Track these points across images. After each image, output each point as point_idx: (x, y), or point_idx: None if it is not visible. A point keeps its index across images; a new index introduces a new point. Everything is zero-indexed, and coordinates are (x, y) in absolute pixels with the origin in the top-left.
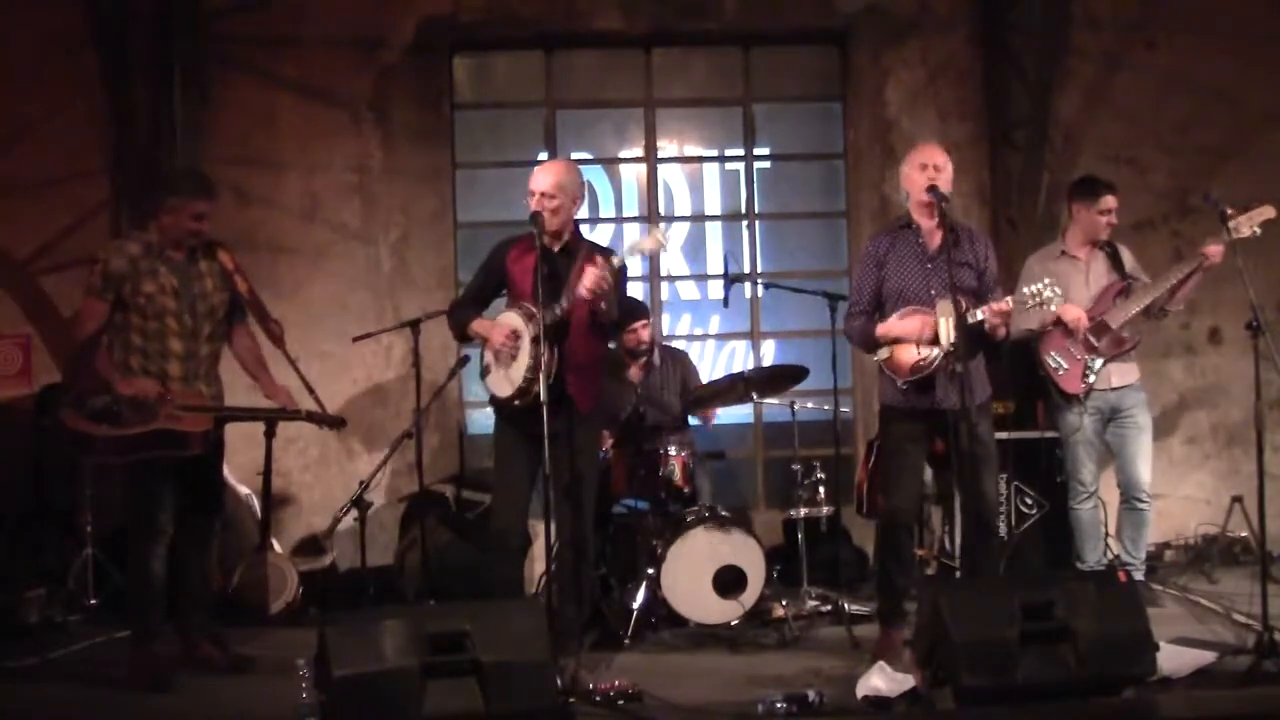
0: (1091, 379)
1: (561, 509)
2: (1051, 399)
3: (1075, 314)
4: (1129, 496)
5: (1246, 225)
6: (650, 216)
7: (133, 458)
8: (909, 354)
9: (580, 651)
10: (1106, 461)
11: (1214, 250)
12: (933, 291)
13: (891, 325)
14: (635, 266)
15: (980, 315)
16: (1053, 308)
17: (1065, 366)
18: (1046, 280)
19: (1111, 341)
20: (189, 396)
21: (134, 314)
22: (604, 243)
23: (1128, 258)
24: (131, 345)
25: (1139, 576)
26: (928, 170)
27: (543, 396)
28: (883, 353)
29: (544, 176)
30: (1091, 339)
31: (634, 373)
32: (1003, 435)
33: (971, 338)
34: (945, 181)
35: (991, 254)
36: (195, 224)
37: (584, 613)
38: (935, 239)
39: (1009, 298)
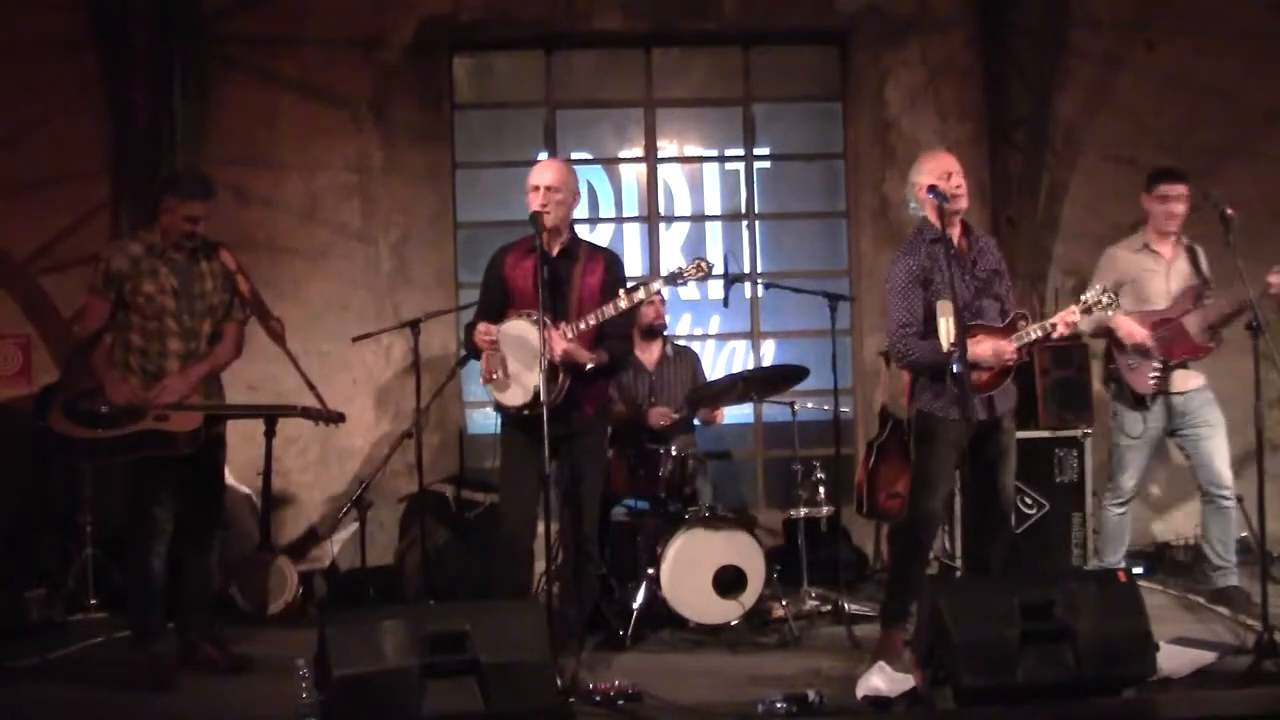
0: (1155, 377)
1: (567, 512)
2: (1123, 397)
3: (1129, 329)
4: (1212, 495)
5: None
6: (650, 216)
7: (117, 459)
8: (983, 372)
9: (581, 651)
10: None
11: (1275, 280)
12: (981, 302)
13: (972, 349)
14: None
15: (1056, 327)
16: (1109, 313)
17: (1136, 364)
18: (1101, 285)
19: (1187, 346)
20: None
21: (134, 313)
22: (604, 243)
23: (1204, 264)
24: (131, 345)
25: (1233, 580)
26: (954, 179)
27: (543, 397)
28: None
29: (546, 172)
30: (1167, 340)
31: (649, 357)
32: None
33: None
34: (960, 188)
35: (1000, 255)
36: (189, 225)
37: (585, 612)
38: (962, 244)
39: (1074, 306)
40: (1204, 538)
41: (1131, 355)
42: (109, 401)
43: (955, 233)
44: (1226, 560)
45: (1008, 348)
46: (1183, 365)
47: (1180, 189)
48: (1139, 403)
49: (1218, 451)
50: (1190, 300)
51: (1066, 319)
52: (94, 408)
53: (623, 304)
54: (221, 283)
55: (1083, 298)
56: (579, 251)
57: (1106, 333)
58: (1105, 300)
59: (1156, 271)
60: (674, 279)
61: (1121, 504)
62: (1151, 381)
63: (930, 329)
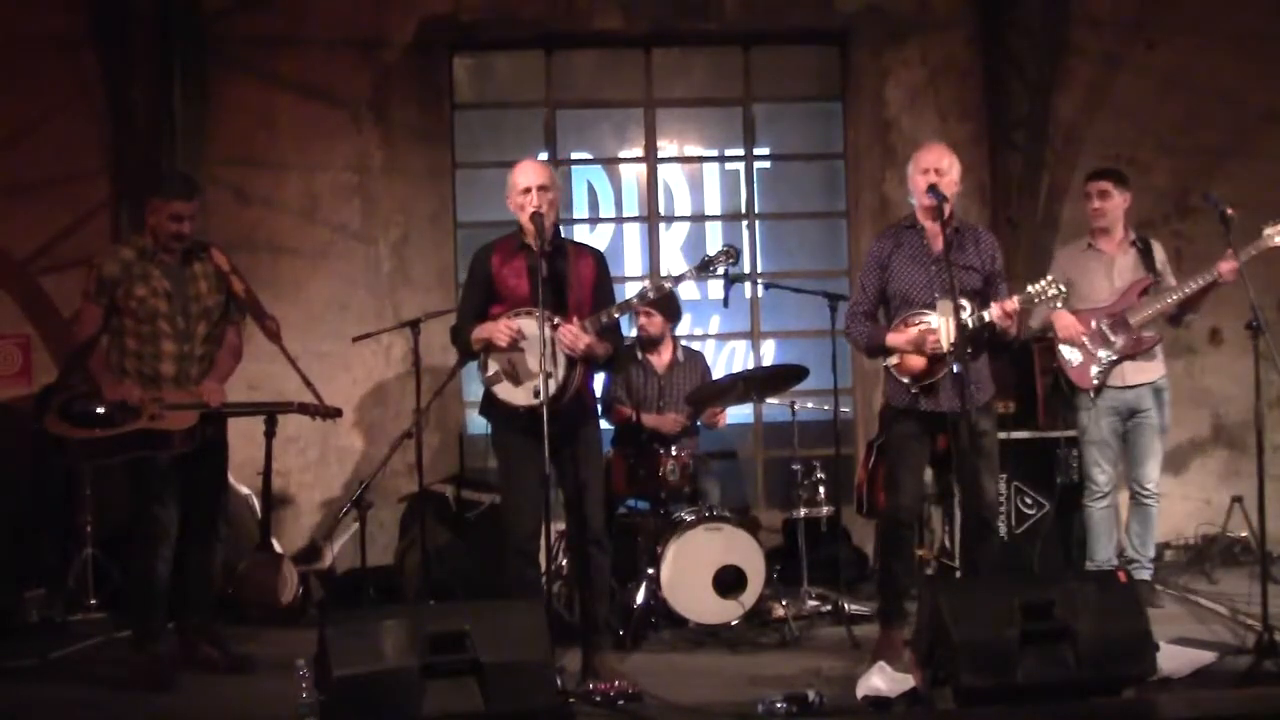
0: (1099, 372)
1: (581, 507)
2: (1061, 393)
3: (1066, 322)
4: (1133, 491)
5: None
6: (650, 216)
7: (115, 459)
8: (918, 360)
9: (604, 645)
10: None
11: (1227, 268)
12: (936, 294)
13: (899, 337)
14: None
15: (990, 316)
16: (1058, 305)
17: (1078, 360)
18: (1050, 278)
19: (1130, 339)
20: (181, 397)
21: (128, 318)
22: (604, 243)
23: (1159, 255)
24: (127, 349)
25: (1146, 575)
26: (928, 175)
27: (542, 396)
28: (891, 358)
29: (538, 172)
30: (1109, 334)
31: (660, 361)
32: (1003, 435)
33: (979, 338)
34: (949, 184)
35: (999, 254)
36: (175, 225)
37: (606, 604)
38: (940, 240)
39: (1016, 297)
40: (1126, 531)
41: (1073, 350)
42: (105, 400)
43: (933, 225)
44: (1141, 555)
45: (931, 338)
46: (1130, 358)
47: (1101, 185)
48: (1081, 396)
49: (1149, 452)
50: (1135, 294)
51: (1004, 307)
52: (90, 408)
53: (651, 294)
54: (215, 284)
55: (1029, 289)
56: (567, 248)
57: (1050, 328)
58: (1052, 292)
59: (1097, 269)
60: (706, 266)
61: (1100, 499)
62: (1094, 379)
63: (888, 310)
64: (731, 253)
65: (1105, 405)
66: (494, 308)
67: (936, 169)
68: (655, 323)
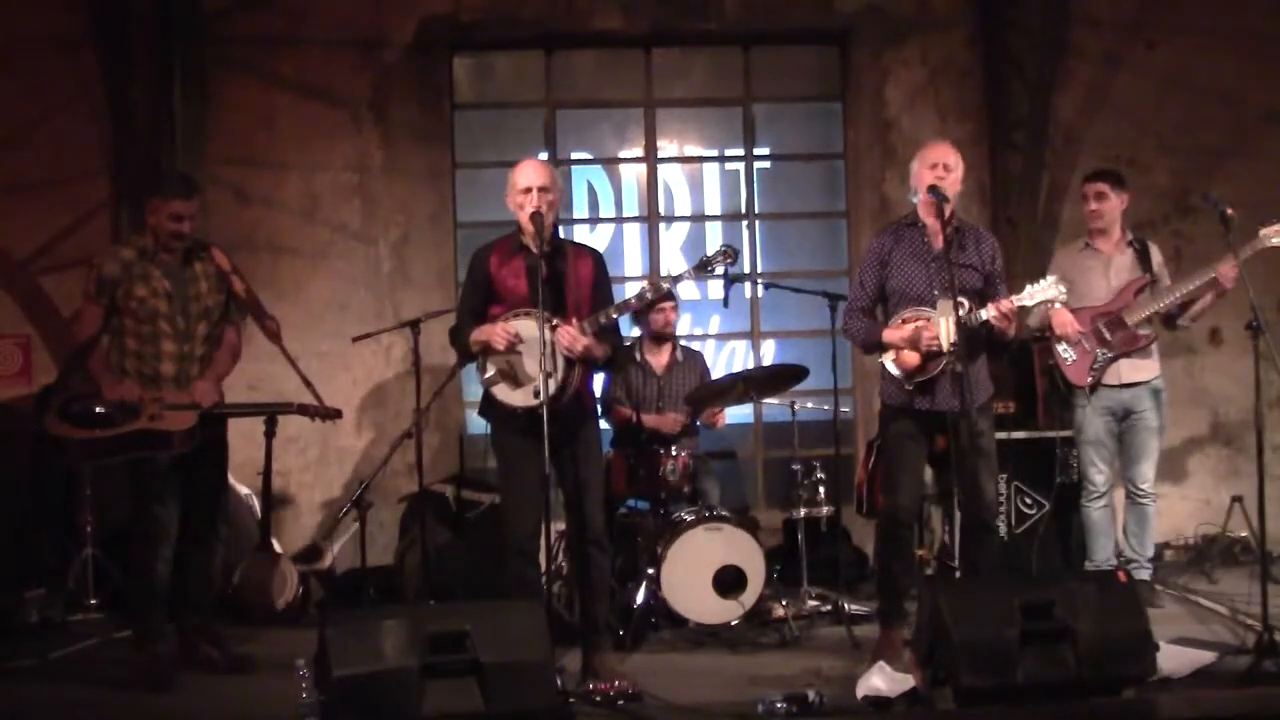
0: (1094, 370)
1: (581, 507)
2: (1059, 392)
3: (1063, 319)
4: (1128, 490)
5: (1278, 236)
6: (650, 216)
7: (115, 459)
8: (912, 357)
9: (604, 645)
10: None
11: (1226, 271)
12: (935, 291)
13: (896, 334)
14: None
15: (986, 315)
16: (1058, 305)
17: (1073, 357)
18: (1051, 278)
19: (1125, 337)
20: (181, 397)
21: (128, 318)
22: (604, 243)
23: (1156, 256)
24: (127, 349)
25: (1145, 575)
26: (936, 170)
27: (542, 396)
28: (888, 354)
29: (539, 172)
30: (1105, 332)
31: (659, 361)
32: (1003, 435)
33: (977, 338)
34: (954, 182)
35: (999, 255)
36: (174, 225)
37: (606, 604)
38: (940, 238)
39: (1014, 297)
40: (1123, 532)
41: (1069, 348)
42: (105, 400)
43: (934, 222)
44: (1139, 555)
45: (927, 334)
46: (1126, 356)
47: (1098, 187)
48: (1077, 393)
49: (1145, 452)
50: (1131, 293)
51: (1001, 307)
52: (90, 408)
53: (650, 295)
54: (215, 284)
55: (1028, 288)
56: (566, 249)
57: (1048, 326)
58: (1052, 293)
59: (1094, 268)
60: (704, 266)
61: (1098, 499)
62: (1090, 376)
63: (886, 307)
64: (730, 253)
65: (1100, 404)
66: (493, 308)
67: (945, 164)
68: (672, 315)
